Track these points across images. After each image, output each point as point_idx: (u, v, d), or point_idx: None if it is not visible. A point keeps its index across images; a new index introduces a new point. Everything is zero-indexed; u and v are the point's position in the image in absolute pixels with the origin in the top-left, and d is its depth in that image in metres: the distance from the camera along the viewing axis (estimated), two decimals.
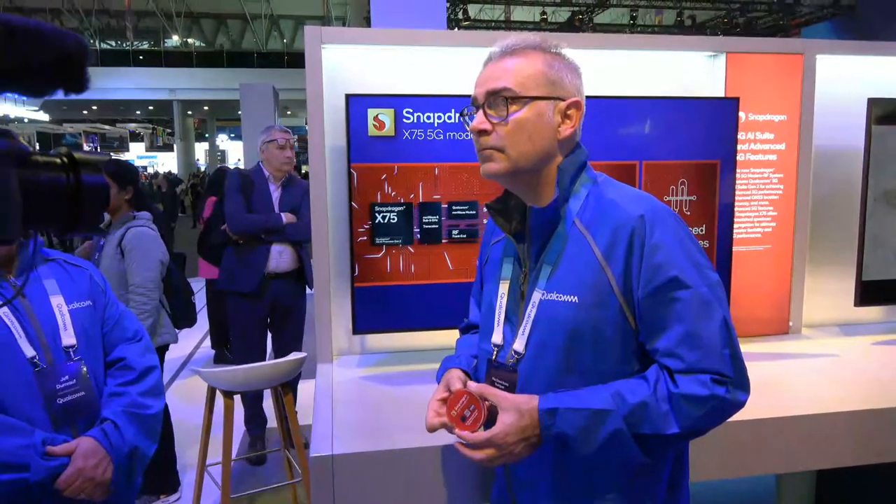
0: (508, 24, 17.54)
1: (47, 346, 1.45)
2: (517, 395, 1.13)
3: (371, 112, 1.92)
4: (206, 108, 27.04)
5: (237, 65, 22.07)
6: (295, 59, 22.87)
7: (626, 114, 2.06)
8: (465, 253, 2.00)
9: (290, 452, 2.95)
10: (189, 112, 27.34)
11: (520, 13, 17.52)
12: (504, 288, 1.28)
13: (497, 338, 1.26)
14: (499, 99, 1.15)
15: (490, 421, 1.14)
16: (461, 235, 1.99)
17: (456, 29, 14.47)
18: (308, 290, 3.50)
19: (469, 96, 1.95)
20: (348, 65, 2.10)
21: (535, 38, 1.20)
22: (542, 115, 1.15)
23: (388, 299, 1.98)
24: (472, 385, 1.19)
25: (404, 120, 1.94)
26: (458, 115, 1.96)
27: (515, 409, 1.10)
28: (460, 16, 14.88)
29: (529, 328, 1.19)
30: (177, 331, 3.02)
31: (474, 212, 1.99)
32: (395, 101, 1.93)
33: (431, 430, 1.22)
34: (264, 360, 3.49)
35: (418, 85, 2.11)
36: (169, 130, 31.05)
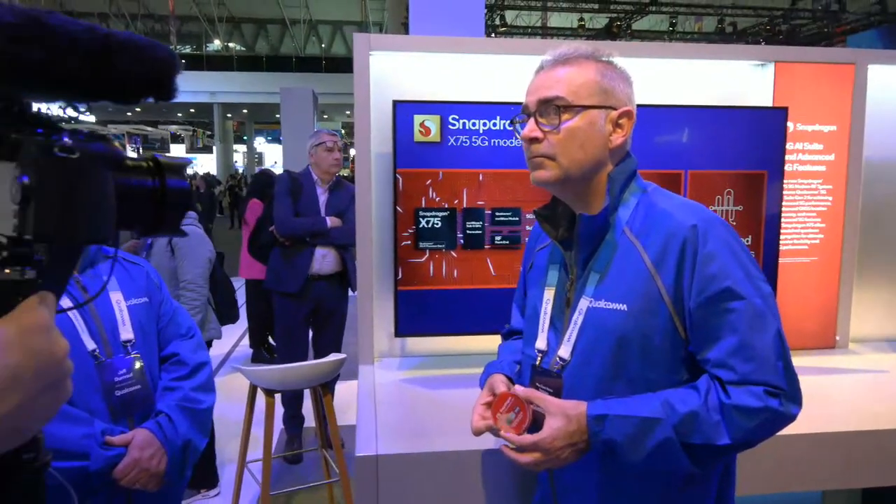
0: (545, 30, 17.50)
1: (107, 340, 1.51)
2: (564, 401, 1.14)
3: (417, 118, 1.95)
4: (244, 111, 27.57)
5: (276, 69, 22.46)
6: (333, 64, 23.17)
7: (671, 122, 2.05)
8: (508, 259, 2.02)
9: (328, 452, 2.99)
10: (228, 115, 27.89)
11: (556, 19, 17.47)
12: (549, 294, 1.29)
13: (541, 343, 1.27)
14: (550, 107, 1.17)
15: (535, 425, 1.16)
16: (504, 241, 2.01)
17: (493, 35, 14.49)
18: (350, 293, 3.56)
19: (515, 104, 1.97)
20: (394, 71, 2.13)
21: (588, 47, 1.21)
22: (594, 123, 1.16)
23: (431, 303, 2.01)
24: (518, 388, 1.20)
25: (450, 126, 1.96)
26: (503, 122, 1.98)
27: (563, 414, 1.11)
28: (497, 22, 14.90)
29: (576, 335, 1.20)
30: (221, 327, 3.10)
31: (517, 218, 2.01)
32: (441, 108, 1.96)
33: (477, 433, 1.24)
34: (306, 359, 3.55)
35: (463, 91, 2.13)
36: (209, 133, 31.73)
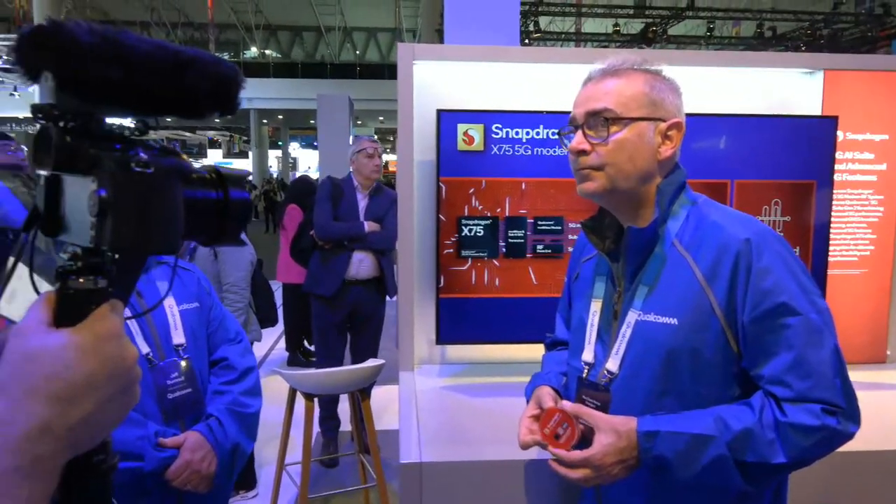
0: (579, 36, 17.41)
1: (160, 344, 1.55)
2: (613, 416, 1.13)
3: (461, 127, 1.96)
4: (280, 116, 28.00)
5: (311, 75, 22.77)
6: (367, 70, 23.40)
7: (717, 131, 2.03)
8: (550, 268, 2.01)
9: (365, 457, 3.02)
10: (264, 121, 28.36)
11: (590, 25, 17.37)
12: (596, 306, 1.28)
13: (588, 356, 1.27)
14: (599, 119, 1.16)
15: (583, 440, 1.15)
16: (546, 250, 2.01)
17: (527, 41, 14.47)
18: (388, 298, 3.59)
19: (558, 112, 1.97)
20: (437, 79, 2.15)
21: (636, 58, 1.21)
22: (643, 135, 1.16)
23: (472, 311, 2.01)
24: (567, 404, 1.20)
25: (493, 135, 1.97)
26: (546, 130, 1.98)
27: (613, 430, 1.10)
28: (531, 28, 14.88)
29: (624, 348, 1.19)
30: (261, 330, 3.15)
31: (560, 227, 2.00)
32: (485, 117, 1.97)
33: (524, 447, 1.24)
34: (342, 363, 3.58)
35: (506, 100, 2.14)
36: (245, 138, 32.28)
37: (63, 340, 0.51)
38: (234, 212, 0.62)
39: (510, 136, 1.97)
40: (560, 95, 2.06)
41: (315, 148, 30.65)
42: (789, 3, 15.65)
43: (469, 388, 2.02)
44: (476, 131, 1.96)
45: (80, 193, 0.54)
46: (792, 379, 1.05)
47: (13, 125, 22.22)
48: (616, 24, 15.85)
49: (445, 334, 2.02)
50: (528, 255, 2.00)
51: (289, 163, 31.32)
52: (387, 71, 23.21)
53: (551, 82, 2.14)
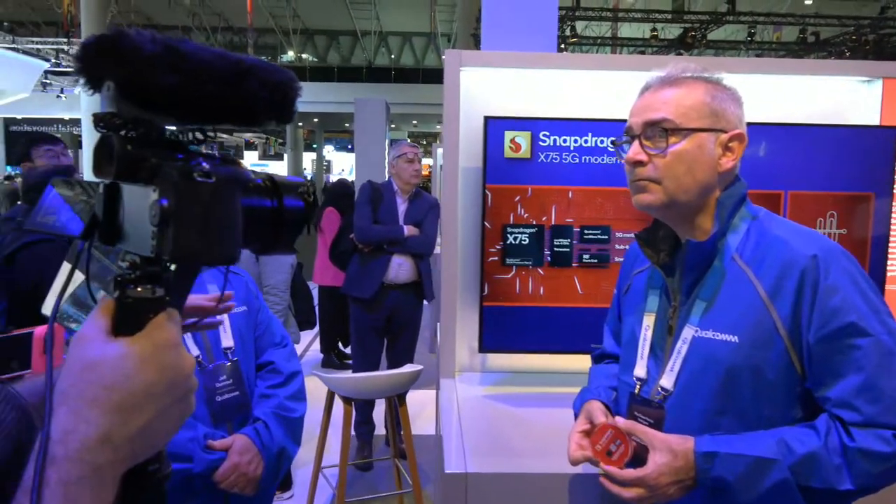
0: (615, 41, 17.24)
1: (210, 347, 1.57)
2: (669, 435, 1.11)
3: (508, 134, 1.95)
4: (315, 119, 28.33)
5: (347, 79, 22.97)
6: (401, 74, 23.53)
7: (770, 140, 1.97)
8: (596, 277, 1.98)
9: (401, 463, 3.01)
10: (300, 123, 28.72)
11: (627, 30, 17.18)
12: (649, 320, 1.26)
13: (640, 371, 1.24)
14: (657, 130, 1.14)
15: (636, 458, 1.13)
16: (592, 260, 1.98)
17: (563, 45, 14.38)
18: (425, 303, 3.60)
19: (607, 120, 1.94)
20: (481, 86, 2.14)
21: (696, 67, 1.18)
22: (703, 147, 1.13)
23: (516, 320, 2.00)
24: (620, 420, 1.17)
25: (540, 143, 1.95)
26: (594, 138, 1.95)
27: (669, 450, 1.08)
28: (567, 32, 14.79)
29: (679, 365, 1.16)
30: (299, 332, 3.18)
31: (606, 237, 1.97)
32: (532, 125, 1.95)
33: (574, 462, 1.21)
34: (378, 367, 3.60)
35: (552, 106, 2.12)
36: (281, 141, 32.74)
37: (122, 350, 0.52)
38: (288, 220, 0.61)
39: (558, 144, 1.95)
40: (608, 102, 2.04)
41: (348, 151, 30.96)
42: (834, 7, 15.26)
43: (511, 397, 2.00)
44: (523, 139, 1.95)
45: (140, 203, 0.54)
46: (861, 403, 1.01)
47: (59, 126, 22.90)
48: (654, 29, 15.64)
49: (488, 342, 2.01)
50: (573, 265, 1.98)
51: (323, 165, 31.66)
52: (421, 75, 23.30)
53: (599, 89, 2.11)
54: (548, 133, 1.95)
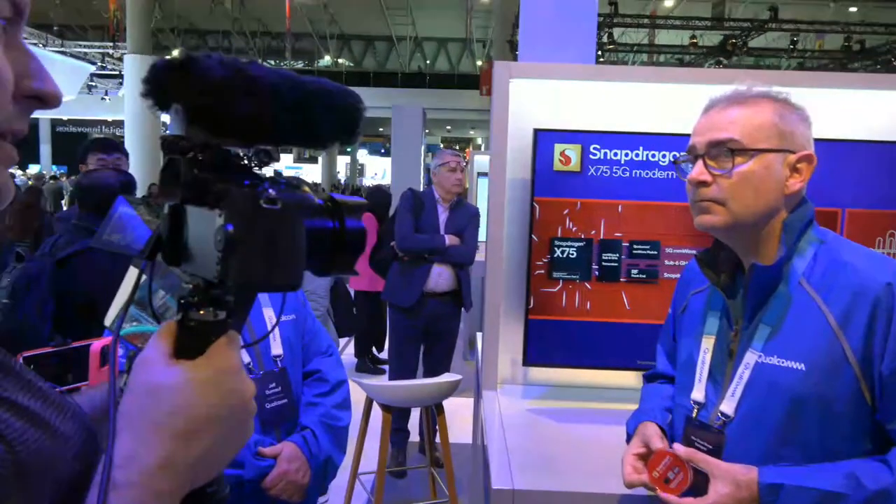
0: (652, 48, 17.06)
1: (260, 354, 1.59)
2: (732, 465, 1.07)
3: (558, 147, 1.94)
4: None
5: (383, 84, 23.14)
6: (436, 80, 23.63)
7: (827, 156, 1.92)
8: (644, 293, 1.95)
9: (437, 471, 3.01)
10: None
11: (665, 37, 16.98)
12: (708, 343, 1.23)
13: (698, 395, 1.21)
14: (722, 150, 1.11)
15: (694, 486, 1.10)
16: (641, 275, 1.95)
17: (599, 52, 14.28)
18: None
19: (659, 134, 1.92)
20: (530, 97, 2.12)
21: (762, 85, 1.16)
22: (770, 168, 1.10)
23: (561, 334, 1.98)
24: (679, 448, 1.15)
25: (591, 156, 1.93)
26: (645, 152, 1.92)
27: (731, 480, 1.05)
28: (605, 39, 14.68)
29: (741, 391, 1.13)
30: (339, 339, 3.20)
31: (656, 252, 1.94)
32: (583, 137, 1.93)
33: (630, 486, 1.19)
34: (415, 374, 3.60)
35: (602, 119, 2.09)
36: None
37: (186, 375, 0.52)
38: (349, 242, 0.60)
39: (608, 158, 1.93)
40: (659, 114, 2.01)
41: (382, 155, 31.14)
42: (880, 14, 14.87)
43: (555, 412, 1.98)
44: (573, 151, 1.93)
45: (206, 226, 0.54)
46: None
47: (102, 127, 23.54)
48: (693, 37, 15.43)
49: (533, 356, 1.99)
50: (621, 280, 1.95)
51: (357, 169, 31.93)
52: (456, 80, 23.36)
53: (649, 100, 2.08)
54: (598, 146, 1.93)
